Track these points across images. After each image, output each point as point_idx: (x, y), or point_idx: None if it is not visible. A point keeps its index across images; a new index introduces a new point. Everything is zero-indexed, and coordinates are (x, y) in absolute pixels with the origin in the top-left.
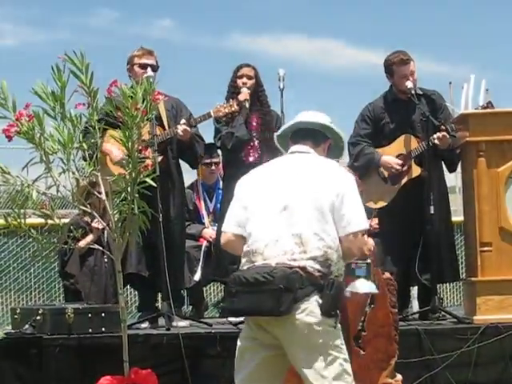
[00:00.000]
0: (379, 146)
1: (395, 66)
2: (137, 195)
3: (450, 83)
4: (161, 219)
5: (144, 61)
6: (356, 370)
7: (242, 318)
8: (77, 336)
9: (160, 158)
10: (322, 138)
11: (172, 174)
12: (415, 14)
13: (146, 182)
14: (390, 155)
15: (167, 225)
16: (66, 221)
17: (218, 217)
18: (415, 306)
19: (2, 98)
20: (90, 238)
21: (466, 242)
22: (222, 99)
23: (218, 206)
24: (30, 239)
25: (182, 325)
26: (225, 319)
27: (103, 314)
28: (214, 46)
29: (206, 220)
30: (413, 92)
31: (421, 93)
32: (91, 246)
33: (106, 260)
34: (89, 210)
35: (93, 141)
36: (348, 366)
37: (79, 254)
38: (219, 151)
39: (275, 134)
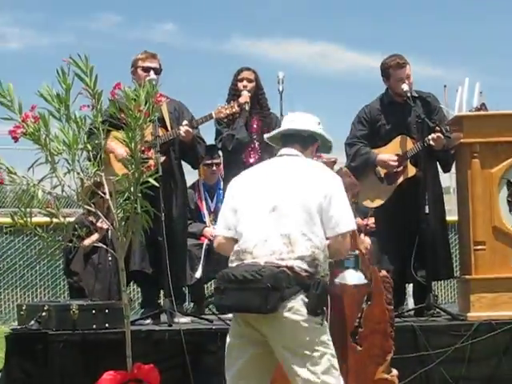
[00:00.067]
0: (375, 147)
1: (392, 70)
2: (140, 195)
3: (445, 86)
4: (163, 218)
5: (147, 64)
6: (353, 366)
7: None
8: (81, 332)
9: (163, 159)
10: (310, 141)
11: (174, 174)
12: (412, 19)
13: (148, 182)
14: None
15: (170, 224)
16: (71, 220)
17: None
18: (411, 303)
19: (9, 100)
20: (95, 236)
21: (460, 241)
22: (223, 102)
23: (219, 205)
24: (36, 237)
25: (183, 321)
26: (222, 316)
27: (107, 311)
28: (215, 50)
29: (207, 219)
30: (408, 94)
31: (416, 95)
32: (95, 245)
33: (109, 258)
34: (93, 210)
35: (97, 142)
36: (335, 361)
37: (84, 253)
38: (220, 152)
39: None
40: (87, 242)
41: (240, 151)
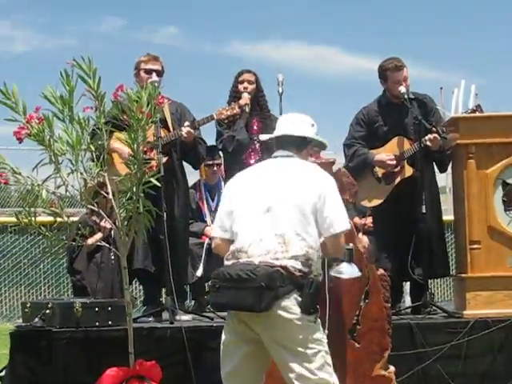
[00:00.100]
0: (373, 148)
1: (389, 72)
2: (142, 195)
3: (441, 88)
4: (165, 218)
5: (149, 66)
6: (351, 362)
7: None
8: (84, 329)
9: (165, 159)
10: (305, 144)
11: (176, 174)
12: (410, 22)
13: (150, 182)
14: None
15: (171, 223)
16: (75, 219)
17: None
18: (408, 301)
19: (13, 101)
20: (98, 235)
21: (456, 240)
22: (224, 103)
23: None
24: (40, 236)
25: (184, 318)
26: (221, 314)
27: (110, 308)
28: (216, 53)
29: (208, 218)
30: (406, 96)
31: (413, 97)
32: (98, 244)
33: (112, 257)
34: (96, 209)
35: (100, 143)
36: (329, 358)
37: (87, 252)
38: (221, 153)
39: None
40: (90, 241)
41: (240, 152)
